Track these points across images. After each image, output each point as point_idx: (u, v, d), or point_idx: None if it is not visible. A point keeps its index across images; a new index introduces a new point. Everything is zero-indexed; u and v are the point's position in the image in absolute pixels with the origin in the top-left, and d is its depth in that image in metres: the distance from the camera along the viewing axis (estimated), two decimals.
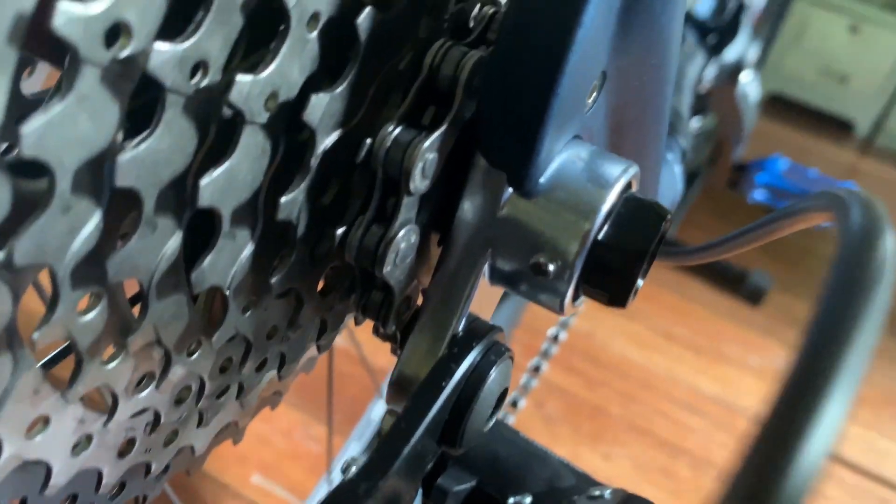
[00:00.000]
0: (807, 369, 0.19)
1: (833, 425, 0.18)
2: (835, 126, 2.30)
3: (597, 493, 0.47)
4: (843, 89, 2.25)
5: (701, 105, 1.24)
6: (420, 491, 0.46)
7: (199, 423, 0.39)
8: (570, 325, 1.01)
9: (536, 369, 0.92)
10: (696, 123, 1.25)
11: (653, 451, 1.34)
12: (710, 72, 1.15)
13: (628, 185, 0.35)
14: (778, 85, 2.28)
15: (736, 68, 1.18)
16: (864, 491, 1.22)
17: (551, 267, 0.33)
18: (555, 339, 0.98)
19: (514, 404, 0.89)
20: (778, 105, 2.29)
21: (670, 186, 0.84)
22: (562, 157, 0.34)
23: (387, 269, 0.33)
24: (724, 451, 1.38)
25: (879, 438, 1.35)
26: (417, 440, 0.32)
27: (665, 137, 0.46)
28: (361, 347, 0.91)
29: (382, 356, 1.08)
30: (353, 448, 0.93)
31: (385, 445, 0.31)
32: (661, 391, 1.47)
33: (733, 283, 1.69)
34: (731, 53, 1.16)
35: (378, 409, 0.95)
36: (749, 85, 1.22)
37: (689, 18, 1.08)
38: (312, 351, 0.46)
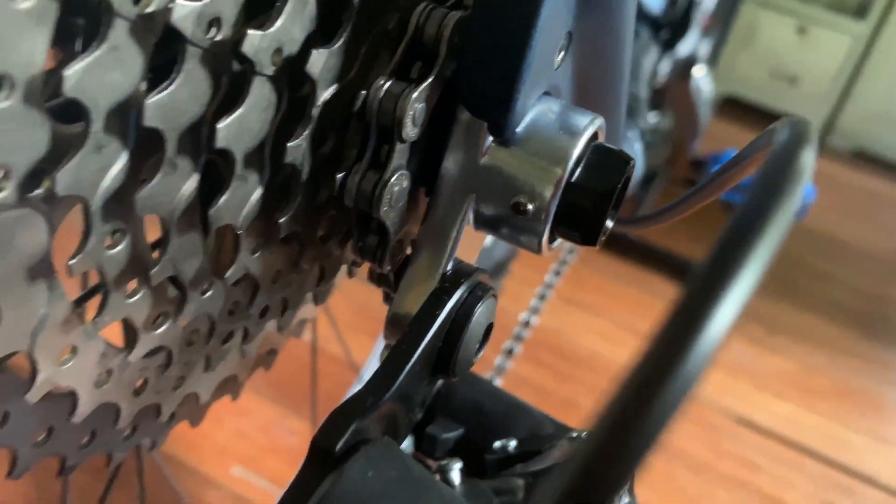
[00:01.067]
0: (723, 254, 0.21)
1: (744, 292, 0.20)
2: None
3: (575, 434, 0.51)
4: (794, 90, 2.34)
5: (658, 101, 1.30)
6: (412, 439, 0.49)
7: (206, 369, 0.42)
8: (540, 311, 1.05)
9: (510, 352, 0.95)
10: (653, 119, 1.30)
11: None
12: (665, 66, 1.21)
13: (595, 135, 0.39)
14: (731, 87, 2.36)
15: (689, 63, 1.24)
16: (826, 479, 1.27)
17: (530, 206, 0.37)
18: (526, 324, 1.01)
19: None
20: (731, 106, 2.37)
21: None
22: (535, 110, 0.38)
23: (383, 209, 0.36)
24: (692, 441, 1.42)
25: (839, 428, 1.41)
26: (416, 361, 0.35)
27: (624, 100, 0.50)
28: (344, 340, 0.93)
29: (361, 349, 1.10)
30: None
31: (388, 365, 0.34)
32: None
33: None
34: (683, 48, 1.21)
35: None
36: (702, 79, 1.28)
37: (643, 13, 1.14)
38: (306, 311, 0.50)
